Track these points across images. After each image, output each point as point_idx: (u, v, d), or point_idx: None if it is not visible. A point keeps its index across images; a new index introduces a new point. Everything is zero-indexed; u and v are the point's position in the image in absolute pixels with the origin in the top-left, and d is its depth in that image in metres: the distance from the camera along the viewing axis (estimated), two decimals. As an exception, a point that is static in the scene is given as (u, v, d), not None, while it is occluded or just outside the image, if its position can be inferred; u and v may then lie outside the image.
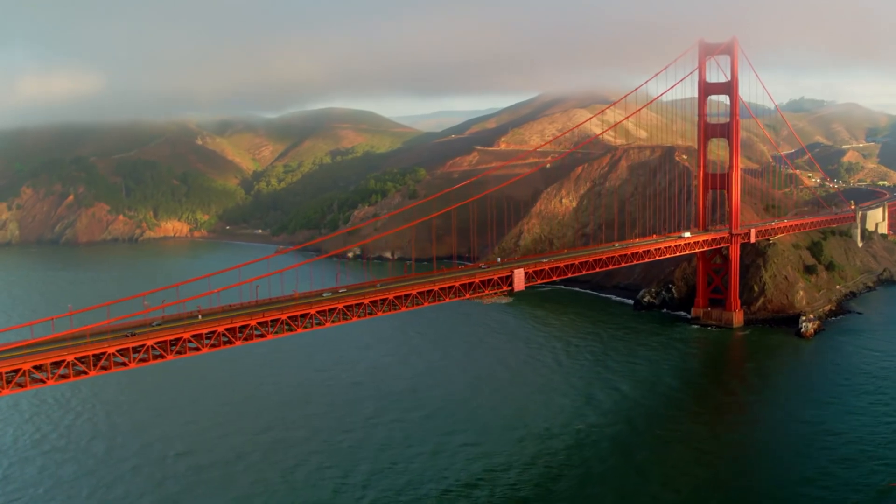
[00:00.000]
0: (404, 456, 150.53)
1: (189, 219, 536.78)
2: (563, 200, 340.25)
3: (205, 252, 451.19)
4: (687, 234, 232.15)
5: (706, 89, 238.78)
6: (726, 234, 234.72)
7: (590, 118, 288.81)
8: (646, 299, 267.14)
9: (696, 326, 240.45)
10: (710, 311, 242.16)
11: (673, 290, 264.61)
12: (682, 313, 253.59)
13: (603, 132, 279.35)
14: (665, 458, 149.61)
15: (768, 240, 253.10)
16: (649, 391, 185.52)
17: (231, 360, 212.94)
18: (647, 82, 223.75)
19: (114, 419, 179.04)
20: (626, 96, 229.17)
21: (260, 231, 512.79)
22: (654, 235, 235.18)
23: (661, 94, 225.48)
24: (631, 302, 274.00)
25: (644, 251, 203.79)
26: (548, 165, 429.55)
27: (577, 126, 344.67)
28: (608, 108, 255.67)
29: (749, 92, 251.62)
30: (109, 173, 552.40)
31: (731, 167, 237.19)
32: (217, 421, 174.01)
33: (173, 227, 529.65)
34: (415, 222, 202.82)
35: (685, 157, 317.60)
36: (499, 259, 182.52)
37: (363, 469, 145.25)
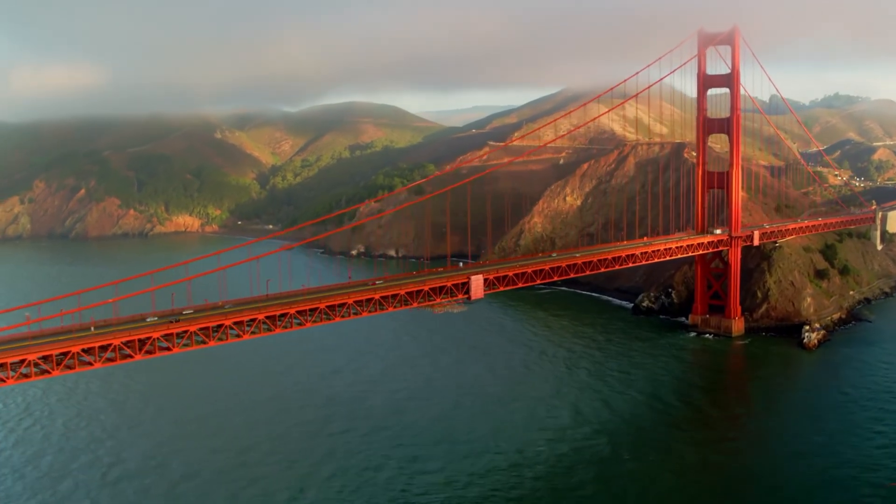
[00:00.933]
0: (357, 481, 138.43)
1: (201, 213, 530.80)
2: (568, 198, 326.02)
3: (210, 248, 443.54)
4: (718, 231, 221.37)
5: (706, 81, 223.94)
6: (725, 237, 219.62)
7: (581, 105, 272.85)
8: (644, 304, 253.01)
9: (693, 334, 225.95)
10: (709, 319, 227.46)
11: (673, 294, 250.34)
12: (682, 319, 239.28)
13: (591, 120, 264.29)
14: (643, 483, 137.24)
15: (775, 243, 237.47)
16: (633, 407, 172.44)
17: (207, 364, 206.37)
18: (637, 74, 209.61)
19: (71, 428, 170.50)
20: (613, 88, 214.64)
21: (271, 226, 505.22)
22: (645, 238, 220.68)
23: (653, 85, 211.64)
24: (631, 305, 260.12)
25: (627, 255, 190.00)
26: (561, 161, 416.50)
27: (568, 113, 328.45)
28: (595, 99, 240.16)
29: (774, 87, 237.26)
30: (123, 167, 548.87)
31: (731, 165, 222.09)
32: (175, 434, 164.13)
33: (184, 221, 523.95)
34: (393, 209, 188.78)
35: (695, 153, 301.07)
36: (461, 263, 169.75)
37: (310, 496, 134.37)
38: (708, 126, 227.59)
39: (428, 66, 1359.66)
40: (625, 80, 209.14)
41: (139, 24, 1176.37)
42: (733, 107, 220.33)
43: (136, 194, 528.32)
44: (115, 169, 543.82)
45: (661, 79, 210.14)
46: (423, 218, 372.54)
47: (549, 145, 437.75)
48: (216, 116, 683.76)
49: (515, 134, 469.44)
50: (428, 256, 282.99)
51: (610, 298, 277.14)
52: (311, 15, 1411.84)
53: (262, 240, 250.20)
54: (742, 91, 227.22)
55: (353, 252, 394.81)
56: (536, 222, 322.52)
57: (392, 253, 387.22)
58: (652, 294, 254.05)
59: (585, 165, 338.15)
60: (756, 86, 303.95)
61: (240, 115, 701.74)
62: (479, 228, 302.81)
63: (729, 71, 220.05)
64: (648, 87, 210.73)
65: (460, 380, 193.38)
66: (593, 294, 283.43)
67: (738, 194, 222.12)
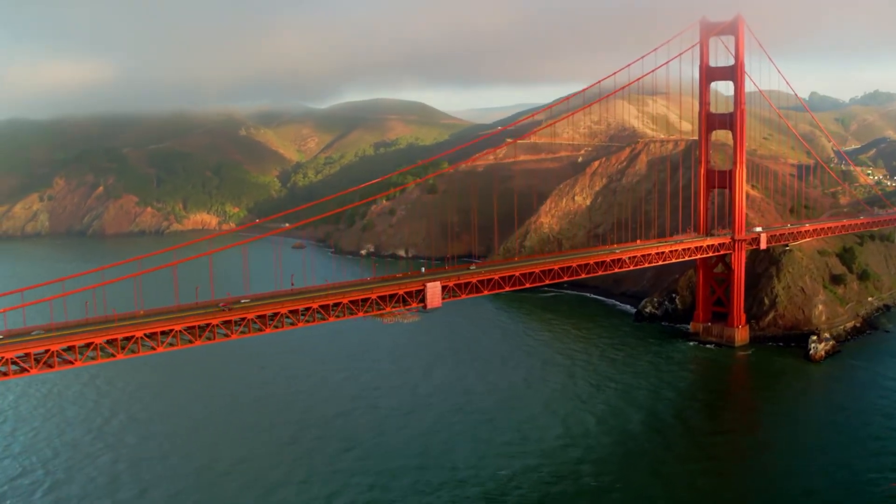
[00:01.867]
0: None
1: (219, 211, 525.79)
2: (577, 198, 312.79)
3: (216, 245, 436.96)
4: (758, 229, 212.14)
5: (709, 74, 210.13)
6: (727, 240, 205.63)
7: (575, 94, 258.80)
8: (647, 310, 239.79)
9: (693, 343, 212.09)
10: (711, 327, 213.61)
11: (677, 300, 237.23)
12: (685, 327, 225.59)
13: (585, 107, 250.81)
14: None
15: (786, 246, 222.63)
16: (621, 423, 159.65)
17: (191, 366, 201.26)
18: (631, 64, 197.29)
19: (32, 439, 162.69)
20: (602, 81, 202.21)
21: (287, 224, 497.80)
22: (638, 241, 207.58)
23: (644, 76, 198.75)
24: (634, 311, 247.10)
25: (613, 260, 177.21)
26: (580, 159, 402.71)
27: (555, 104, 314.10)
28: (583, 91, 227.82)
29: (785, 81, 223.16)
30: (142, 164, 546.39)
31: (734, 163, 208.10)
32: (138, 446, 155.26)
33: (202, 219, 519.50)
34: (381, 194, 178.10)
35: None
36: (423, 269, 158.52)
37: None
38: (711, 122, 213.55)
39: (430, 62, 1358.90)
40: (614, 73, 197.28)
41: (140, 21, 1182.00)
42: (737, 101, 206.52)
43: (155, 191, 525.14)
44: (134, 166, 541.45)
45: (655, 69, 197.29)
46: (434, 217, 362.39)
47: (568, 143, 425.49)
48: (241, 113, 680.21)
49: (534, 131, 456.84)
50: (447, 256, 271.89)
51: (615, 302, 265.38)
52: (322, 9, 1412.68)
53: (244, 228, 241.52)
54: (760, 87, 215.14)
55: (363, 252, 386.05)
56: (543, 222, 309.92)
57: (402, 253, 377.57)
58: (655, 299, 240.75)
59: (596, 164, 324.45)
60: (774, 80, 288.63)
61: (265, 112, 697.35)
62: (491, 228, 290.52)
63: (734, 62, 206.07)
64: (641, 78, 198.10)
65: (448, 389, 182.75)
66: (599, 298, 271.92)
67: (742, 194, 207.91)
